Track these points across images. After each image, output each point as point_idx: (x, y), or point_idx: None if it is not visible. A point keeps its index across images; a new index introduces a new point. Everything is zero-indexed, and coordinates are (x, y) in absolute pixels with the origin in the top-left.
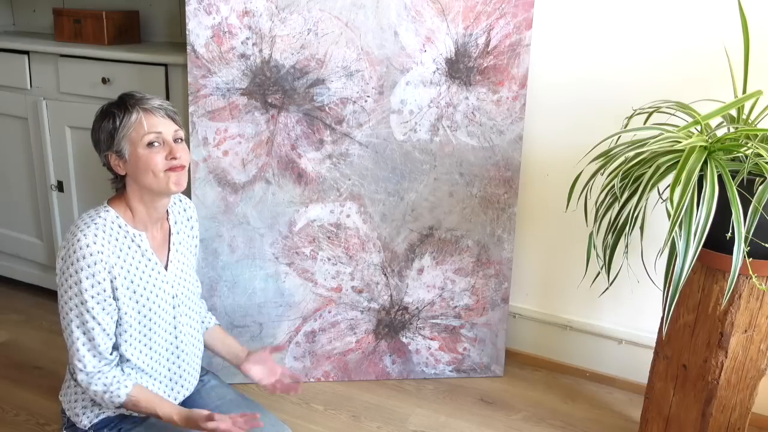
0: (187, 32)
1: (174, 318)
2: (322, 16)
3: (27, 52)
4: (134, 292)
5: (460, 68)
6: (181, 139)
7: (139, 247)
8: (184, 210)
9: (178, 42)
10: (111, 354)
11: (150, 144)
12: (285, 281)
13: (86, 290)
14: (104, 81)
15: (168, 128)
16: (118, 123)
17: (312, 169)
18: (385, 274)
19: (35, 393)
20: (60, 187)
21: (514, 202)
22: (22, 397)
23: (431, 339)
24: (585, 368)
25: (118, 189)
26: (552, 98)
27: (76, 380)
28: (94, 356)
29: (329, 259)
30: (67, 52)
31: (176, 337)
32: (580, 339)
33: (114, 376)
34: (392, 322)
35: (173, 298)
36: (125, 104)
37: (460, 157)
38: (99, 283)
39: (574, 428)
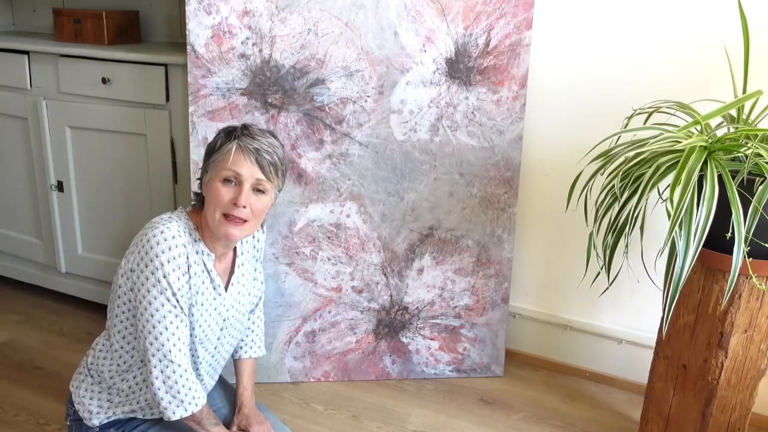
0: (187, 32)
1: (218, 339)
2: (322, 16)
3: (27, 52)
4: (192, 306)
5: (460, 68)
6: (262, 190)
7: (205, 264)
8: (252, 236)
9: (178, 42)
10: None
11: (226, 180)
12: (285, 281)
13: (174, 282)
14: (104, 81)
15: (250, 173)
16: (216, 146)
17: (312, 169)
18: (385, 274)
19: (35, 393)
20: (60, 187)
21: (514, 202)
22: (22, 397)
23: (431, 339)
24: (585, 368)
25: (195, 205)
26: (552, 98)
27: (92, 376)
28: (186, 354)
29: (329, 259)
30: (67, 52)
31: (213, 356)
32: (580, 339)
33: (195, 389)
34: (392, 322)
35: (224, 321)
36: (232, 133)
37: (460, 157)
38: (183, 274)
39: (574, 428)
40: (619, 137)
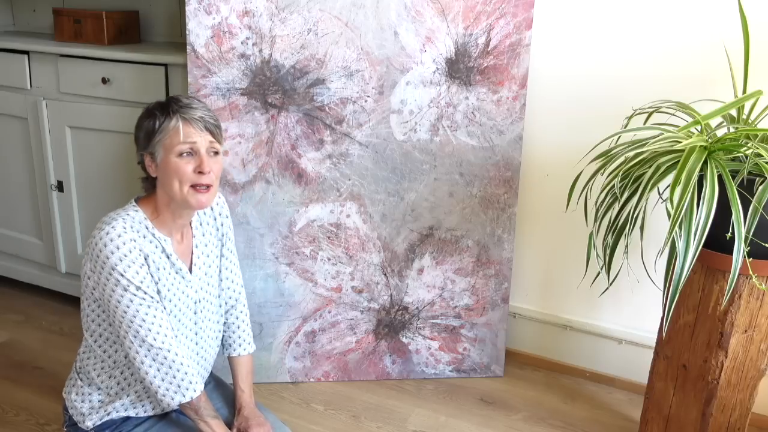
0: (187, 32)
1: (195, 324)
2: (322, 16)
3: (27, 52)
4: (158, 292)
5: (460, 68)
6: (217, 152)
7: (164, 250)
8: (211, 209)
9: (178, 42)
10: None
11: (182, 154)
12: (285, 281)
13: (134, 277)
14: (104, 81)
15: (203, 140)
16: (157, 125)
17: (312, 169)
18: (385, 274)
19: (35, 393)
20: (60, 187)
21: (514, 202)
22: (22, 397)
23: (431, 339)
24: (585, 368)
25: (148, 190)
26: (552, 98)
27: (82, 380)
28: (172, 338)
29: (329, 259)
30: (67, 52)
31: (197, 344)
32: (580, 339)
33: (190, 374)
34: (392, 322)
35: (195, 303)
36: (168, 108)
37: (460, 157)
38: (141, 267)
39: (574, 428)
40: (619, 137)
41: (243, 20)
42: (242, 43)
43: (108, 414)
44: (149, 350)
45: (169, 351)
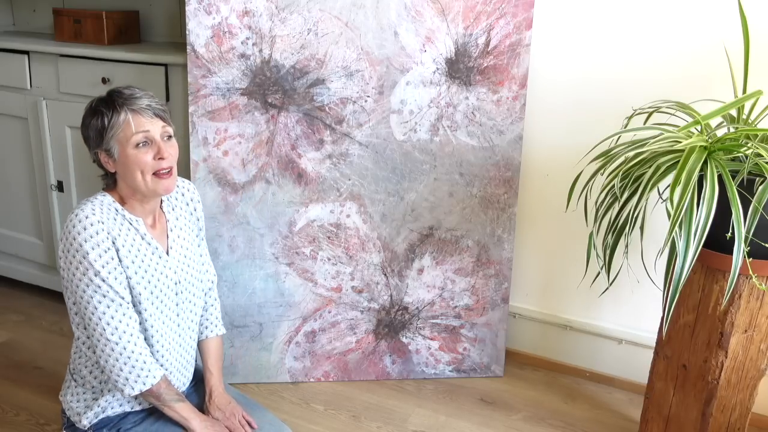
0: (187, 32)
1: (177, 305)
2: (322, 16)
3: (27, 52)
4: (135, 273)
5: (460, 68)
6: (170, 136)
7: (137, 230)
8: (182, 195)
9: (178, 42)
10: (140, 333)
11: (138, 144)
12: (285, 281)
13: (96, 261)
14: (104, 81)
15: (156, 127)
16: (106, 122)
17: (312, 169)
18: (385, 274)
19: (35, 393)
20: (60, 187)
21: (514, 202)
22: (22, 397)
23: (431, 339)
24: (585, 368)
25: (109, 185)
26: (552, 98)
27: (76, 380)
28: (125, 331)
29: (329, 259)
30: (67, 52)
31: (179, 325)
32: (580, 339)
33: (144, 361)
34: (392, 322)
35: (176, 284)
36: (114, 103)
37: (460, 157)
38: (106, 251)
39: (574, 428)
40: (619, 137)
41: (243, 20)
42: (242, 43)
43: (103, 411)
44: (99, 340)
45: (116, 344)
